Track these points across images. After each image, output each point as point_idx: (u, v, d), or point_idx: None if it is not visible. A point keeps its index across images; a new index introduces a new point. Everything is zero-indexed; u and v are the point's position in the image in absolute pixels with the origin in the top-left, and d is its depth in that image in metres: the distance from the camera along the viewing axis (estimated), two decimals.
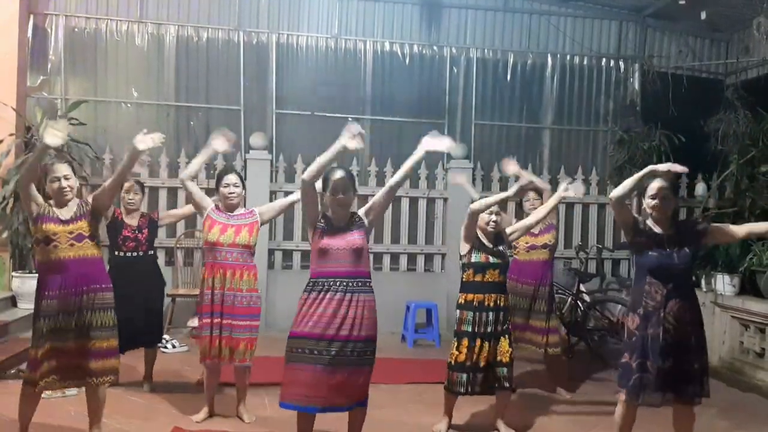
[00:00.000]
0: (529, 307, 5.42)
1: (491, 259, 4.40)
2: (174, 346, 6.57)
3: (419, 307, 7.55)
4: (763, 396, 5.72)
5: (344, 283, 3.62)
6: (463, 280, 4.49)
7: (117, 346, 3.91)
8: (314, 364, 3.55)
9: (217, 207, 4.59)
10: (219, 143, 4.53)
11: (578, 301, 6.90)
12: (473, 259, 4.42)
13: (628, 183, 3.68)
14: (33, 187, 3.80)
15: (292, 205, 4.78)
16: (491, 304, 4.38)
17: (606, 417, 4.33)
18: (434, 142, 3.68)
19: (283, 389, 3.64)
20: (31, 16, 7.62)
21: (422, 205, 8.24)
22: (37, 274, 3.87)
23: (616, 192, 3.70)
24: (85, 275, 3.76)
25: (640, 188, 3.80)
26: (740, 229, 3.80)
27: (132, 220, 5.17)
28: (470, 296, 4.41)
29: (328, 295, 3.60)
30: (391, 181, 3.82)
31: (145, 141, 3.69)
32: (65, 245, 3.73)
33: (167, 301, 7.04)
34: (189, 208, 5.29)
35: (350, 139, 3.49)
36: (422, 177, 8.22)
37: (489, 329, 4.37)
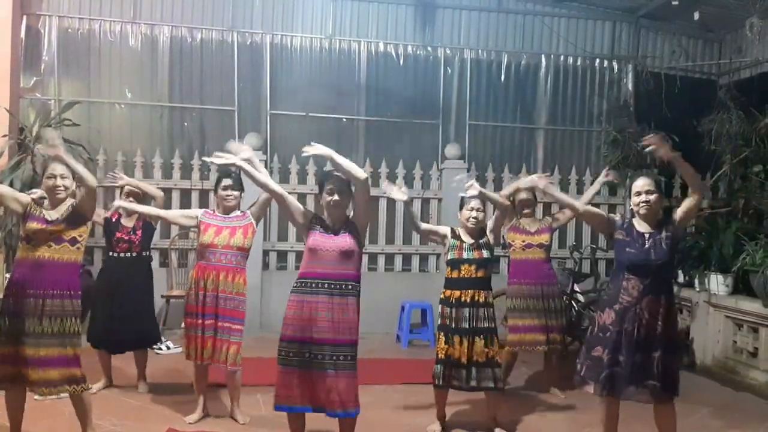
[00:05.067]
0: (545, 307, 5.41)
1: (465, 255, 4.46)
2: (168, 348, 6.56)
3: (414, 308, 7.55)
4: (757, 395, 5.74)
5: (328, 285, 3.64)
6: (445, 276, 4.59)
7: (78, 354, 3.79)
8: (296, 367, 3.62)
9: (207, 211, 4.60)
10: (219, 159, 4.07)
11: (572, 301, 6.92)
12: (449, 257, 4.53)
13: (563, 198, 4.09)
14: (6, 189, 3.83)
15: (269, 199, 4.57)
16: (467, 300, 4.42)
17: (599, 416, 4.33)
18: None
19: (275, 391, 3.71)
20: (25, 17, 7.60)
21: (417, 205, 8.24)
22: None
23: (583, 206, 4.04)
24: (54, 279, 3.70)
25: (628, 187, 3.86)
26: (689, 195, 3.81)
27: (128, 222, 5.19)
28: (448, 292, 4.50)
29: (311, 297, 3.63)
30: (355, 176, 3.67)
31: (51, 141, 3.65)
32: (43, 245, 3.70)
33: (161, 302, 7.05)
34: (173, 215, 4.98)
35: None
36: (417, 177, 8.22)
37: (465, 325, 4.40)
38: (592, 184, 8.43)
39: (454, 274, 4.49)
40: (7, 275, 6.78)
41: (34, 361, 3.63)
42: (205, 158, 4.05)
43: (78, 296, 3.80)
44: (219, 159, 3.85)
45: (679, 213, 3.84)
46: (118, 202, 4.81)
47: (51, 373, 3.67)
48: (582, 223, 8.52)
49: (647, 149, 3.82)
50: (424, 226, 4.65)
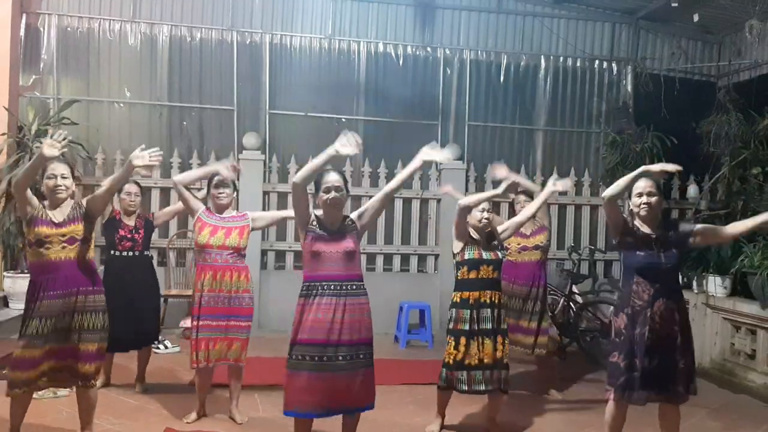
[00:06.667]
0: (520, 308, 5.43)
1: (484, 255, 4.41)
2: (166, 347, 6.55)
3: (412, 308, 7.54)
4: (754, 397, 5.74)
5: (339, 287, 3.61)
6: (458, 278, 4.49)
7: (105, 348, 3.92)
8: (318, 371, 3.54)
9: (208, 209, 4.59)
10: (223, 169, 4.49)
11: (570, 302, 6.92)
12: (467, 256, 4.42)
13: (621, 183, 3.72)
14: (29, 191, 3.80)
15: (284, 219, 4.78)
16: (487, 301, 4.39)
17: (598, 417, 4.34)
18: (432, 153, 3.73)
19: (288, 397, 3.60)
20: (24, 15, 7.60)
21: (415, 205, 8.25)
22: (29, 275, 3.85)
23: (610, 191, 3.74)
24: (76, 278, 3.76)
25: (628, 189, 3.84)
26: (727, 229, 3.83)
27: (129, 221, 5.20)
28: (466, 294, 4.40)
29: (324, 300, 3.58)
30: (386, 188, 3.82)
31: (143, 158, 3.73)
32: (57, 247, 3.72)
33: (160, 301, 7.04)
34: (180, 204, 5.13)
35: (343, 145, 3.47)
36: (416, 177, 8.21)
37: (487, 326, 4.37)
38: (591, 185, 8.52)
39: (472, 275, 4.41)
40: (5, 273, 6.85)
41: (69, 356, 3.74)
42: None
43: (101, 291, 3.89)
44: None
45: (701, 232, 3.83)
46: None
47: (90, 367, 3.79)
48: (580, 225, 8.54)
49: None
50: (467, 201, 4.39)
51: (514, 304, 5.42)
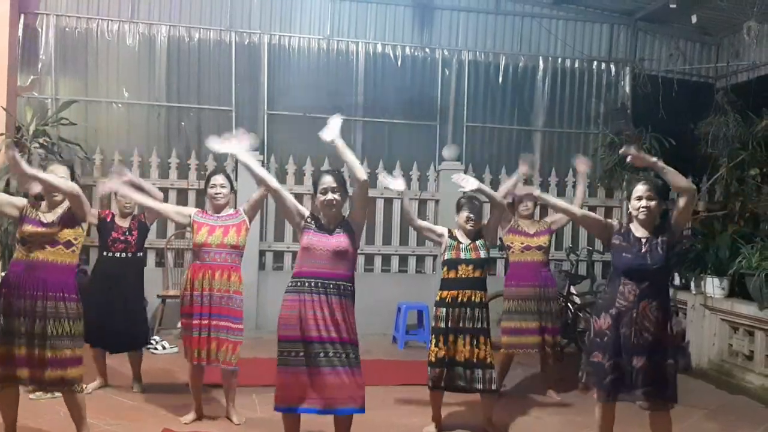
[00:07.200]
0: (542, 310, 5.41)
1: (462, 255, 4.46)
2: (164, 347, 6.54)
3: (410, 309, 7.55)
4: (752, 398, 5.74)
5: (323, 284, 3.63)
6: (441, 277, 4.57)
7: (78, 355, 3.78)
8: (297, 366, 3.61)
9: (203, 210, 4.60)
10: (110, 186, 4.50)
11: (569, 303, 6.92)
12: (446, 257, 4.52)
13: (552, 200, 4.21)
14: (0, 196, 3.82)
15: (266, 190, 4.66)
16: (465, 300, 4.42)
17: (595, 418, 4.33)
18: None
19: (275, 392, 3.68)
20: (22, 16, 7.59)
21: (414, 206, 8.21)
22: None
23: (581, 211, 3.98)
24: (49, 281, 3.68)
25: (625, 190, 3.84)
26: (678, 196, 3.77)
27: (123, 223, 5.17)
28: (445, 293, 4.47)
29: (306, 297, 3.62)
30: (355, 176, 3.72)
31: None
32: (37, 248, 3.69)
33: (157, 302, 7.03)
34: (167, 210, 4.90)
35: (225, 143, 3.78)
36: (414, 179, 8.22)
37: (464, 325, 4.39)
38: (589, 186, 8.50)
39: (451, 275, 4.48)
40: (3, 274, 6.82)
41: (33, 362, 3.65)
42: (209, 144, 3.96)
43: (74, 299, 3.77)
44: (220, 146, 3.79)
45: (674, 215, 3.83)
46: (115, 185, 4.55)
47: (57, 373, 3.67)
48: (578, 226, 8.52)
49: (627, 160, 3.83)
50: (420, 222, 4.71)
51: (530, 306, 5.40)
